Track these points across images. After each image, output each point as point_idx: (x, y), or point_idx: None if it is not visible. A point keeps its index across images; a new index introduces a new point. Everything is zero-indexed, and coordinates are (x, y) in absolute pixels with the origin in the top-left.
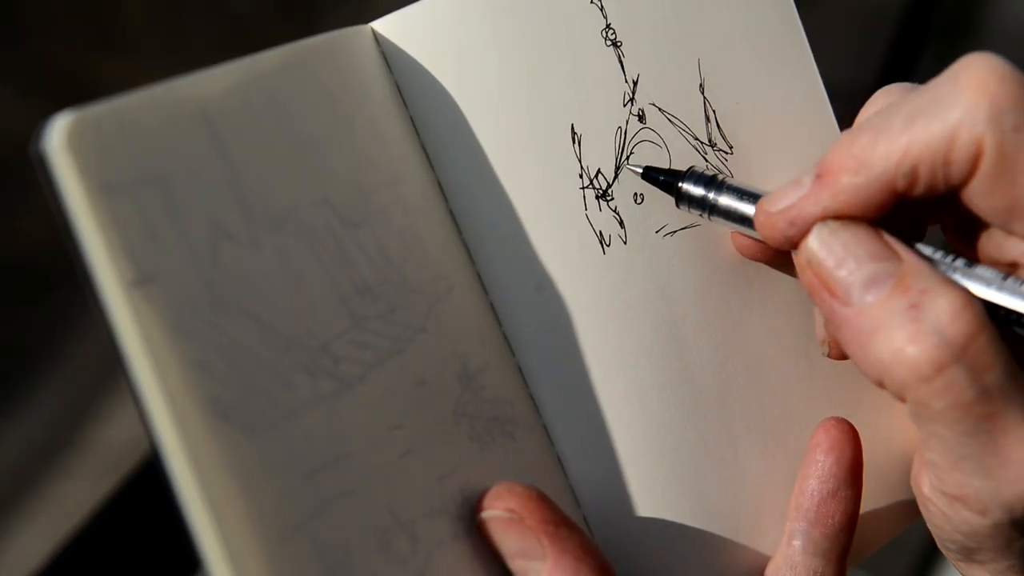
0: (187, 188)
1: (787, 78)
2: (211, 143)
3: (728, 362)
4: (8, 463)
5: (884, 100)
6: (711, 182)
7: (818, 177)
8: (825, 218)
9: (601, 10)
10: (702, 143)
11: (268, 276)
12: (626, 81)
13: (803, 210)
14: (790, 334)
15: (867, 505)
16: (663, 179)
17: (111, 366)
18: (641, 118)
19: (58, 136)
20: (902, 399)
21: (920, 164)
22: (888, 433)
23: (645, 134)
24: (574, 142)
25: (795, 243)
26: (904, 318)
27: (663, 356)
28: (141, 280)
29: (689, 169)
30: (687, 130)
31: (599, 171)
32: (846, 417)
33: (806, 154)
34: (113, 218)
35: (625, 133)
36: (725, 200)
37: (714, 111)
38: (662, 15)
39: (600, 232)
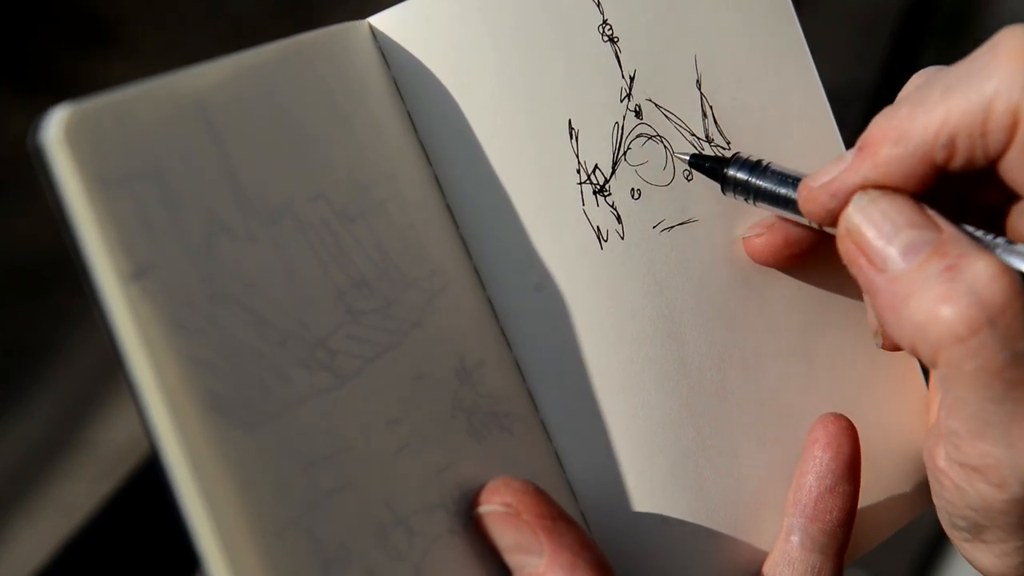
0: (183, 181)
1: (784, 73)
2: (208, 137)
3: (726, 357)
4: (8, 463)
5: (922, 79)
6: (755, 167)
7: (859, 150)
8: (865, 187)
9: (598, 6)
10: (699, 139)
11: (264, 270)
12: (623, 77)
13: (844, 181)
14: (788, 329)
15: (865, 501)
16: (709, 165)
17: (111, 366)
18: (638, 114)
19: (55, 129)
20: (933, 363)
21: (958, 135)
22: (887, 429)
23: (642, 129)
24: (571, 137)
25: (836, 216)
26: (939, 279)
27: (661, 351)
28: (138, 273)
29: (734, 155)
30: (684, 126)
31: (596, 166)
32: (844, 413)
33: (803, 149)
34: (110, 211)
35: (622, 129)
36: (768, 184)
37: (711, 107)
38: (659, 11)
39: (598, 227)
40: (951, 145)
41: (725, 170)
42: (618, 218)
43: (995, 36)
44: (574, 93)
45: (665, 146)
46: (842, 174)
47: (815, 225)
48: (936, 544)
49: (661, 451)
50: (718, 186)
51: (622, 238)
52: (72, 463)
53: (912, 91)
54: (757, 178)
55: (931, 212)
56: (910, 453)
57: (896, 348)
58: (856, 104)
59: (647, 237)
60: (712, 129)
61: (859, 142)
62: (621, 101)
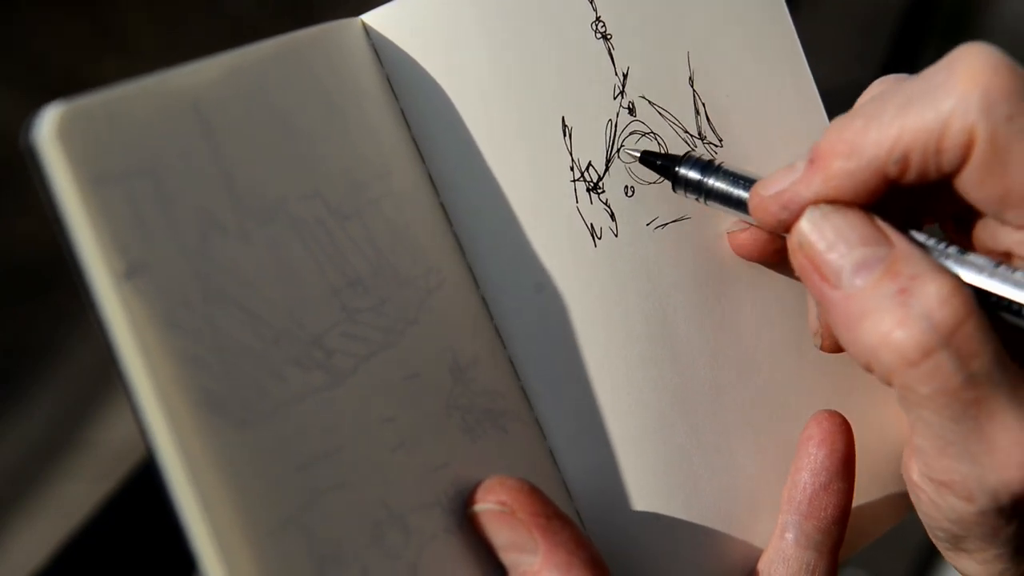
0: (177, 179)
1: (776, 70)
2: (202, 134)
3: (719, 354)
4: (8, 463)
5: (879, 89)
6: (707, 167)
7: (811, 162)
8: (817, 202)
9: (591, 3)
10: (692, 136)
11: (259, 268)
12: (616, 74)
13: (796, 194)
14: (782, 326)
15: (860, 498)
16: (660, 163)
17: (110, 366)
18: (631, 111)
19: (48, 127)
20: (889, 384)
21: (912, 151)
22: (881, 426)
23: (635, 127)
24: (565, 135)
25: (788, 227)
26: (892, 302)
27: (654, 348)
28: (131, 271)
29: (686, 154)
30: (677, 123)
31: (590, 164)
32: (838, 409)
33: (796, 146)
34: (103, 209)
35: (615, 126)
36: (720, 184)
37: (704, 104)
38: (651, 8)
39: (591, 225)
40: (904, 161)
41: (676, 168)
42: (612, 215)
43: (953, 52)
44: (567, 90)
45: (658, 143)
46: (793, 186)
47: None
48: (935, 544)
49: (655, 448)
50: None
51: (616, 235)
52: (72, 463)
53: (867, 101)
54: (708, 177)
55: (883, 225)
56: (903, 450)
57: (836, 351)
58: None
59: (640, 234)
60: (705, 126)
61: (811, 153)
62: (614, 98)
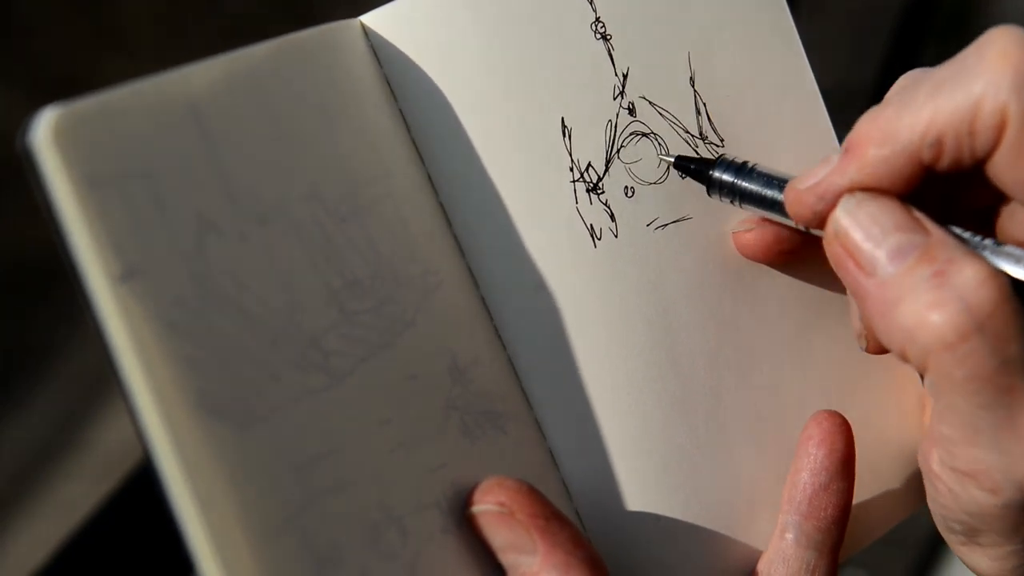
0: (174, 181)
1: (777, 70)
2: (198, 136)
3: (719, 355)
4: (8, 463)
5: (908, 80)
6: (741, 169)
7: (845, 151)
8: (853, 190)
9: (591, 3)
10: (693, 136)
11: (256, 269)
12: (616, 74)
13: (831, 183)
14: (781, 326)
15: (860, 498)
16: (694, 167)
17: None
18: (631, 111)
19: (45, 130)
20: (923, 369)
21: (945, 134)
22: (881, 426)
23: (635, 127)
24: (564, 135)
25: (823, 218)
26: (928, 285)
27: (654, 349)
28: (128, 274)
29: (719, 157)
30: (678, 123)
31: (590, 164)
32: (838, 410)
33: (797, 145)
34: (100, 212)
35: (615, 126)
36: (754, 186)
37: (704, 104)
38: (651, 8)
39: (591, 225)
40: (938, 145)
41: (710, 172)
42: (611, 216)
43: (983, 36)
44: (567, 91)
45: (659, 144)
46: (829, 176)
47: (801, 227)
48: (936, 544)
49: (655, 449)
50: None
51: (616, 236)
52: (72, 463)
53: (900, 91)
54: (743, 180)
55: (919, 214)
56: (904, 450)
57: (880, 351)
58: (856, 104)
59: (641, 235)
60: (706, 126)
61: (845, 143)
62: (614, 99)
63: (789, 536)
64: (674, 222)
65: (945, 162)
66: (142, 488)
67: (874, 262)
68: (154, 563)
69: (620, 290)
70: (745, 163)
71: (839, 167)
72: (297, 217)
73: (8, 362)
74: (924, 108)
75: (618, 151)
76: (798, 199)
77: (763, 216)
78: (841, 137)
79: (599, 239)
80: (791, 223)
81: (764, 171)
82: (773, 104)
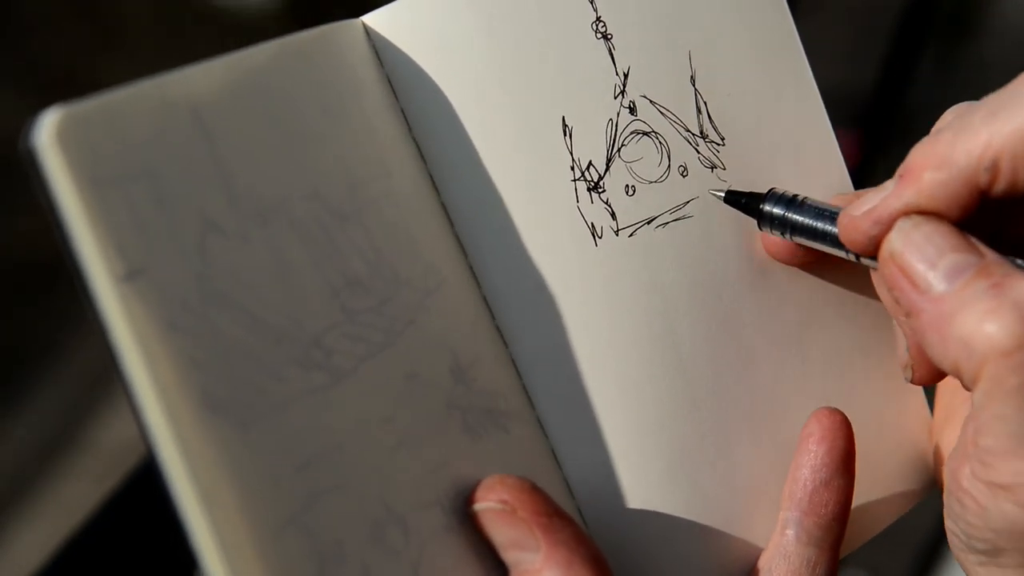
0: (176, 182)
1: (777, 69)
2: (200, 137)
3: (720, 353)
4: (8, 463)
5: (957, 112)
6: (792, 202)
7: (901, 177)
8: (908, 213)
9: (591, 3)
10: (694, 135)
11: (258, 269)
12: (617, 73)
13: (887, 207)
14: (783, 324)
15: (860, 494)
16: (745, 202)
17: (111, 368)
18: (632, 110)
19: (47, 131)
20: (975, 380)
21: (1002, 158)
22: (881, 423)
23: (636, 126)
24: (565, 134)
25: (877, 242)
26: (986, 296)
27: (655, 347)
28: (131, 274)
29: (770, 191)
30: (679, 122)
31: (590, 163)
32: (838, 407)
33: (797, 144)
34: (102, 212)
35: (616, 125)
36: (806, 219)
37: (705, 103)
38: (652, 7)
39: (592, 224)
40: (994, 168)
41: (761, 206)
42: (612, 215)
43: None
44: (568, 90)
45: (660, 142)
46: (884, 201)
47: (853, 257)
48: (936, 544)
49: (656, 446)
50: (711, 183)
51: (616, 235)
52: (72, 463)
53: (950, 121)
54: (793, 213)
55: (973, 239)
56: (904, 447)
57: (926, 381)
58: (855, 103)
59: (641, 234)
60: (706, 125)
61: (900, 170)
62: (615, 98)
63: (790, 532)
64: (675, 221)
65: (1001, 185)
66: (142, 488)
67: (929, 281)
68: (155, 563)
69: (621, 288)
70: (796, 196)
71: (895, 192)
72: (299, 217)
73: (8, 362)
74: (980, 132)
75: (619, 150)
76: (853, 225)
77: (814, 248)
78: (840, 137)
79: (600, 238)
80: (842, 254)
81: (814, 203)
82: (773, 103)
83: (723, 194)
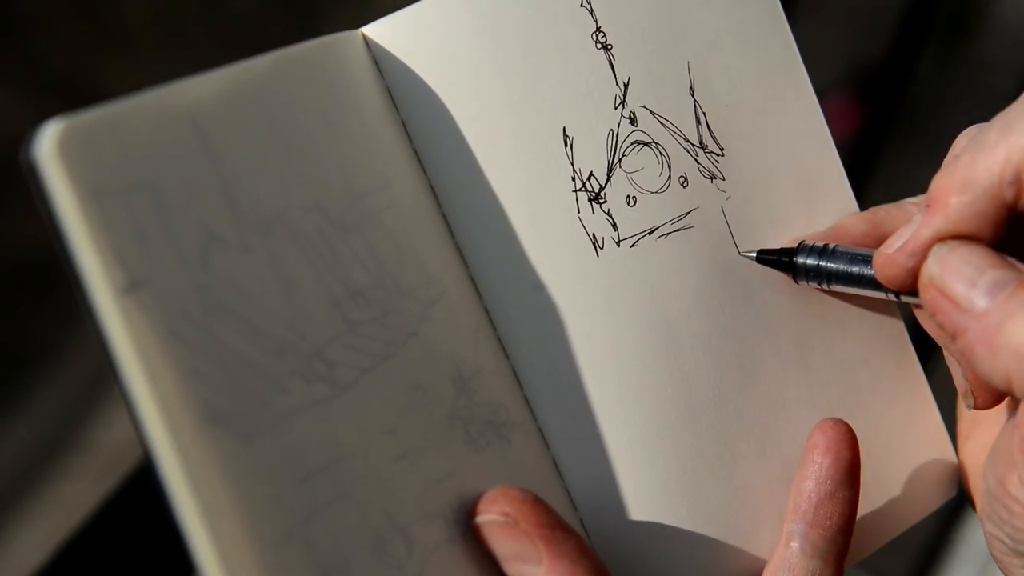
0: (177, 194)
1: (775, 79)
2: (201, 148)
3: (722, 363)
4: (8, 463)
5: (970, 135)
6: (824, 252)
7: (927, 207)
8: (941, 239)
9: (591, 13)
10: (693, 145)
11: (260, 281)
12: (617, 84)
13: (919, 238)
14: (785, 335)
15: (865, 506)
16: (777, 258)
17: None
18: (632, 120)
19: (48, 143)
20: None
21: (1023, 169)
22: (886, 434)
23: (637, 136)
24: (566, 145)
25: (915, 274)
26: None
27: (657, 358)
28: (132, 286)
29: (800, 243)
30: (678, 132)
31: (591, 174)
32: (842, 418)
33: (796, 154)
34: (104, 224)
35: (617, 136)
36: (840, 265)
37: (704, 113)
38: (652, 18)
39: (593, 235)
40: (1018, 182)
41: (795, 259)
42: (614, 225)
43: None
44: (568, 101)
45: (660, 153)
46: (915, 233)
47: (893, 297)
48: (936, 544)
49: (659, 458)
50: (711, 193)
51: (618, 245)
52: (72, 463)
53: (965, 144)
54: (827, 261)
55: (1009, 258)
56: (910, 458)
57: (988, 405)
58: (856, 103)
59: (643, 244)
60: (706, 135)
61: (927, 199)
62: (615, 108)
63: (794, 545)
64: (676, 231)
65: None
66: (142, 488)
67: (972, 299)
68: (154, 563)
69: (623, 299)
70: (826, 245)
71: (925, 221)
72: (300, 228)
73: (8, 362)
74: (998, 149)
75: (620, 160)
76: (889, 262)
77: (853, 293)
78: (838, 142)
79: (601, 248)
80: (883, 295)
81: (846, 250)
82: (772, 114)
83: (755, 254)
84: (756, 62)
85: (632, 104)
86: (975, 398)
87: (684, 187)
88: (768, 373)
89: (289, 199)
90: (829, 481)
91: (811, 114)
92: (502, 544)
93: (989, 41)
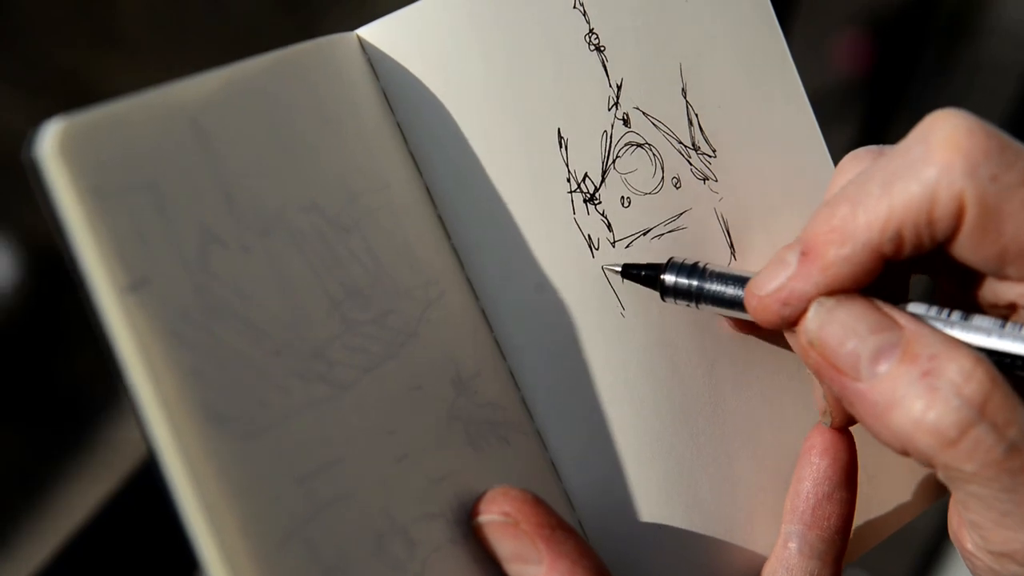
0: (177, 193)
1: (767, 81)
2: (200, 149)
3: (718, 364)
4: (8, 463)
5: (854, 167)
6: (693, 270)
7: (803, 255)
8: (818, 295)
9: (584, 15)
10: (686, 147)
11: (259, 280)
12: (610, 85)
13: (795, 289)
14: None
15: (861, 505)
16: (644, 274)
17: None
18: (626, 122)
19: (50, 142)
20: (930, 466)
21: (904, 227)
22: None
23: (630, 138)
24: (561, 146)
25: (791, 322)
26: (919, 387)
27: (653, 358)
28: (134, 285)
29: (669, 260)
30: (671, 134)
31: (586, 175)
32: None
33: (788, 155)
34: (105, 224)
35: (610, 137)
36: (711, 286)
37: (696, 115)
38: (644, 19)
39: (589, 236)
40: (898, 238)
41: (662, 276)
42: (608, 226)
43: (923, 123)
44: (562, 102)
45: (653, 154)
46: (791, 282)
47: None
48: (936, 544)
49: (657, 459)
50: (704, 194)
51: (613, 246)
52: (72, 463)
53: (848, 185)
54: (697, 280)
55: (888, 308)
56: (906, 459)
57: (846, 425)
58: (854, 103)
59: (637, 245)
60: (698, 136)
61: (801, 245)
62: (609, 110)
63: (792, 546)
64: (669, 232)
65: (906, 251)
66: (143, 488)
67: (857, 368)
68: (155, 563)
69: (618, 299)
70: (696, 263)
71: (800, 272)
72: (298, 228)
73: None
74: (880, 204)
75: (614, 161)
76: (762, 306)
77: (724, 315)
78: (831, 143)
79: (597, 249)
80: (750, 318)
81: (719, 271)
82: (763, 115)
83: (620, 268)
84: (748, 64)
85: (625, 105)
86: (833, 418)
87: (677, 188)
88: (763, 373)
89: (287, 198)
90: (827, 482)
91: (802, 115)
92: (502, 544)
93: (989, 41)
